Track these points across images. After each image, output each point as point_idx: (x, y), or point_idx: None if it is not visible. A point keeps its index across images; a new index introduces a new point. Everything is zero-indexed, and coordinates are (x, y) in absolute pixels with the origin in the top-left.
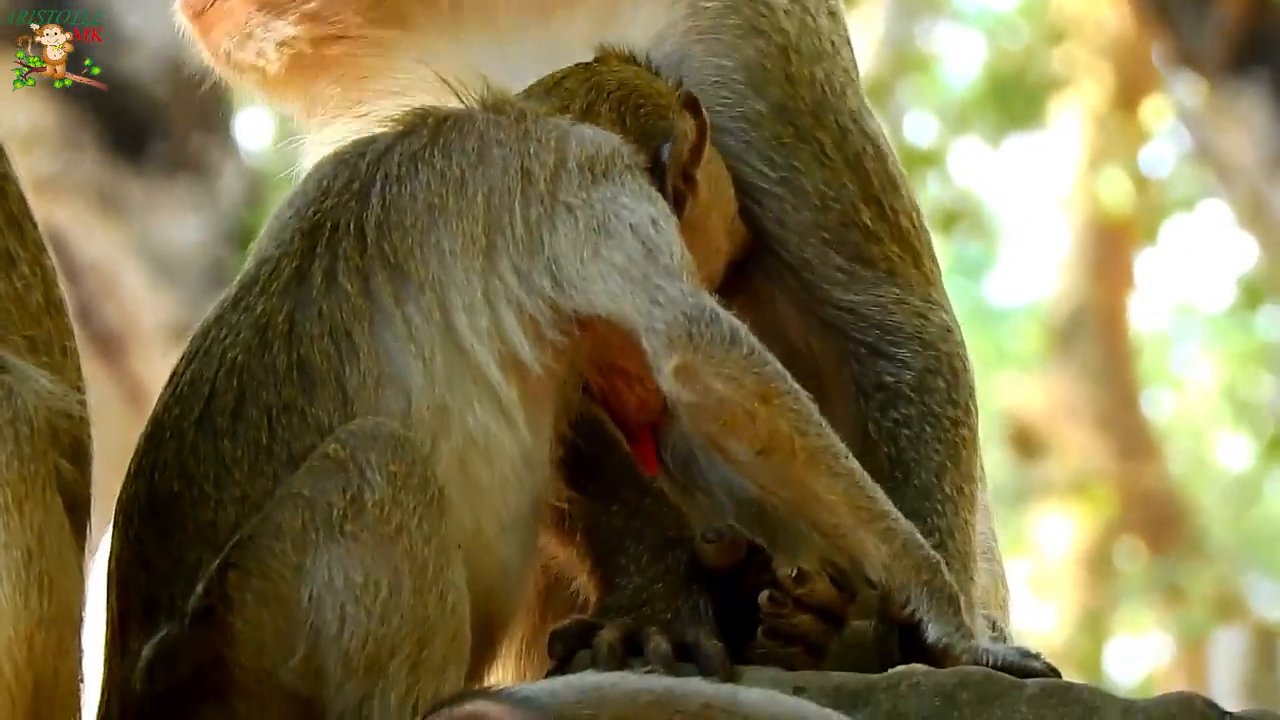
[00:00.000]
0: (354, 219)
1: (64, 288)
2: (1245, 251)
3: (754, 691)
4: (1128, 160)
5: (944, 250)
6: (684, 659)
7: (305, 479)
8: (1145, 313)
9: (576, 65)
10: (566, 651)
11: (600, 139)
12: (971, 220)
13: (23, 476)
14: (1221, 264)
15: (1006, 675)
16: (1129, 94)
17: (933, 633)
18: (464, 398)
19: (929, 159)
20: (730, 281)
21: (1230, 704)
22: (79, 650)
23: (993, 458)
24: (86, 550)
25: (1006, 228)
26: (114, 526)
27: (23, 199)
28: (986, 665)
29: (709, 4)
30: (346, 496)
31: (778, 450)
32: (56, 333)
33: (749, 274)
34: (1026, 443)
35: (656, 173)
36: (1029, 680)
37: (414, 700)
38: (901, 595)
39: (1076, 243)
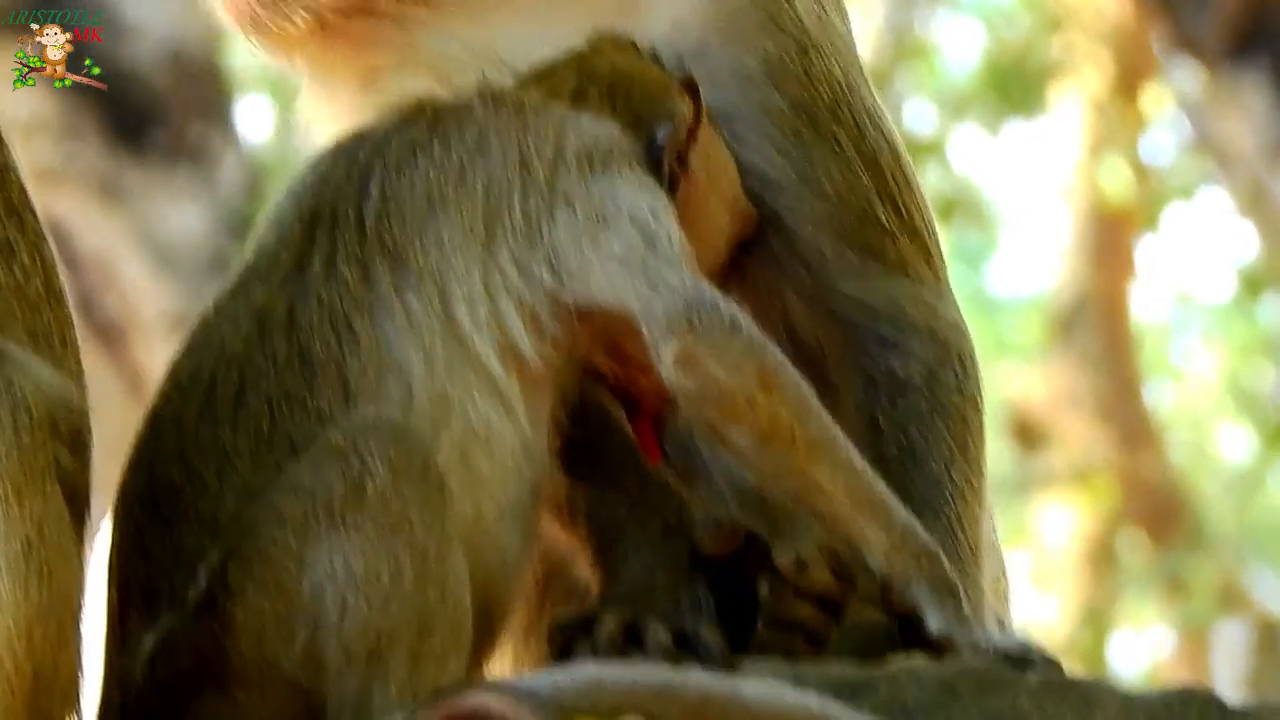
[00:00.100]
0: (353, 208)
1: (64, 277)
2: (1246, 240)
3: (754, 682)
4: (1128, 148)
5: (944, 239)
6: (684, 649)
7: (307, 468)
8: (1146, 302)
9: (569, 51)
10: (566, 642)
11: (599, 130)
12: (971, 209)
13: (22, 467)
14: (1222, 253)
15: (1007, 667)
16: (1129, 81)
17: (933, 623)
18: (464, 387)
19: (928, 147)
20: (737, 272)
21: (1233, 696)
22: (79, 641)
23: (993, 448)
24: (86, 540)
25: (1006, 216)
26: (114, 517)
27: (23, 189)
28: (987, 656)
29: None
30: (348, 485)
31: (778, 438)
32: (56, 323)
33: (756, 265)
34: (1027, 433)
35: (652, 155)
36: (1029, 672)
37: (414, 689)
38: (902, 585)
39: (1076, 231)
